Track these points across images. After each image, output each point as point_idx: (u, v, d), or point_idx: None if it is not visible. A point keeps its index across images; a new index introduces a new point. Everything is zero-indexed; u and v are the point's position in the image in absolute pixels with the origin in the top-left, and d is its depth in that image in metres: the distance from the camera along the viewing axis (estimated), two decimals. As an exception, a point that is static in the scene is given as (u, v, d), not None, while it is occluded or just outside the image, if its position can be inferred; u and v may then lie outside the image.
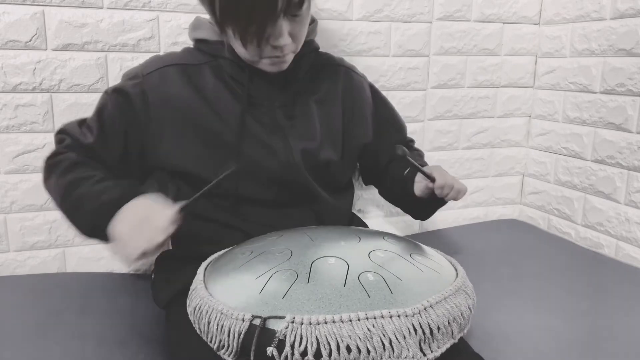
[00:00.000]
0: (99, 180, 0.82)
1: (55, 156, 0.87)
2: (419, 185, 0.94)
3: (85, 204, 0.80)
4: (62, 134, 0.90)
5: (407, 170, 1.00)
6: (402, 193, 1.00)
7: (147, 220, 0.73)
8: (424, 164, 1.05)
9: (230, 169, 0.75)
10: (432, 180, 0.90)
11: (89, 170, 0.85)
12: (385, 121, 1.09)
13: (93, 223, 0.79)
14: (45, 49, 1.05)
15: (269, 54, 0.83)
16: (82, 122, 0.91)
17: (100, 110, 0.89)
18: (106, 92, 0.90)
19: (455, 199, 0.93)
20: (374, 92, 1.09)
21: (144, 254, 0.71)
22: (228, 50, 0.89)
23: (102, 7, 1.07)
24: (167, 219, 0.72)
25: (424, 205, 1.02)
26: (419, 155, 1.13)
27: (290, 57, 0.87)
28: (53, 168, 0.85)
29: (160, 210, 0.73)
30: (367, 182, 1.20)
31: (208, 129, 0.87)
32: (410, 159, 0.85)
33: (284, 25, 0.80)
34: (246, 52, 0.83)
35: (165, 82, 0.88)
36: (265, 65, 0.86)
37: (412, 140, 1.17)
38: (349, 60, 1.29)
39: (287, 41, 0.81)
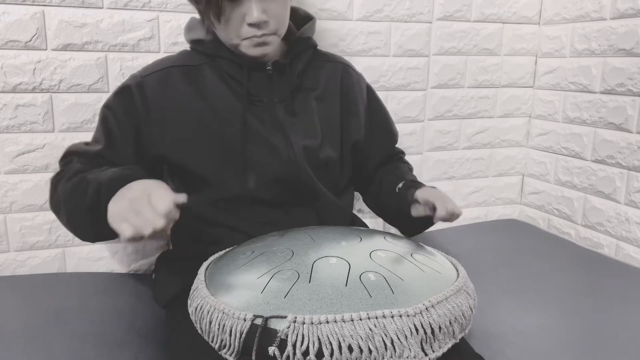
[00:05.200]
0: (104, 170, 0.78)
1: (59, 174, 0.84)
2: (418, 207, 0.88)
3: (87, 189, 0.74)
4: (69, 156, 0.87)
5: (400, 185, 0.96)
6: (397, 209, 0.96)
7: (146, 200, 0.65)
8: (414, 178, 1.02)
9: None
10: (433, 210, 0.84)
11: (96, 168, 0.81)
12: (378, 124, 1.07)
13: (91, 204, 0.72)
14: (45, 49, 1.05)
15: (246, 34, 0.83)
16: (87, 142, 0.90)
17: (103, 119, 0.88)
18: (105, 106, 0.89)
19: (449, 221, 0.87)
20: (370, 92, 1.08)
21: (140, 237, 0.63)
22: (225, 49, 0.89)
23: (102, 7, 1.07)
24: (166, 205, 0.64)
25: (414, 224, 0.97)
26: (409, 169, 1.09)
27: (272, 40, 0.86)
28: (57, 183, 0.81)
29: (162, 194, 0.66)
30: (354, 187, 1.11)
31: (210, 128, 0.87)
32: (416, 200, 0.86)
33: (256, 3, 0.80)
34: (227, 34, 0.84)
35: (165, 83, 0.88)
36: (246, 47, 0.85)
37: (402, 152, 1.14)
38: (349, 60, 1.29)
39: (260, 18, 0.81)
